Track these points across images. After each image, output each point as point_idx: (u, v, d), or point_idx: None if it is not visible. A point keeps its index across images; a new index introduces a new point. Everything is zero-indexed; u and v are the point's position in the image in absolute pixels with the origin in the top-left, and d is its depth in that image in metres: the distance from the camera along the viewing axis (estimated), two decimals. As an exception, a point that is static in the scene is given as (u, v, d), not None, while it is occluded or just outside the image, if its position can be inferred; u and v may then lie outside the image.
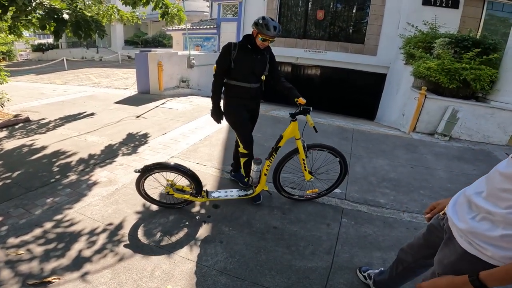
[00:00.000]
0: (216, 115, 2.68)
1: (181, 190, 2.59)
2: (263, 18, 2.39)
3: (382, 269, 1.85)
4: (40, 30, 4.57)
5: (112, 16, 6.29)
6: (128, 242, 2.21)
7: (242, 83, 2.59)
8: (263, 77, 2.69)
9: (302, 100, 2.49)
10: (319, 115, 6.85)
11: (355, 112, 9.55)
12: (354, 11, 9.53)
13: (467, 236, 1.01)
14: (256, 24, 2.40)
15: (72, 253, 2.09)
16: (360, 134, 5.17)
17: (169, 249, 2.16)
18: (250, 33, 2.54)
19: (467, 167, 4.00)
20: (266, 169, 2.61)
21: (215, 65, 2.58)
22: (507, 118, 5.00)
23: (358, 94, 10.30)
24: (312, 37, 10.08)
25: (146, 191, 2.57)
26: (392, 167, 3.80)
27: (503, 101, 5.04)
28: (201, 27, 12.47)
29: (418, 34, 6.47)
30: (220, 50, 2.60)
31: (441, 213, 1.26)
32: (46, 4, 3.92)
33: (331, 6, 9.74)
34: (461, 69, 4.94)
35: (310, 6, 9.92)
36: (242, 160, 2.78)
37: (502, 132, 5.06)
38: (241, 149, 2.70)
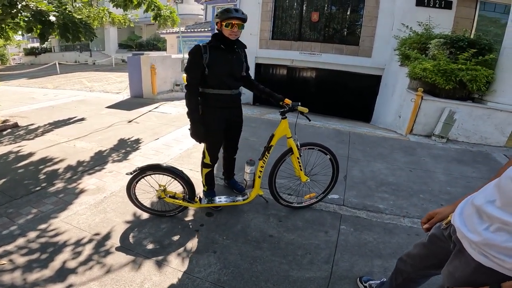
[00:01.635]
0: (198, 135, 2.27)
1: (173, 197, 2.48)
2: (223, 9, 2.17)
3: (384, 279, 1.76)
4: (27, 33, 4.46)
5: (104, 19, 6.19)
6: (116, 253, 2.09)
7: (222, 90, 2.26)
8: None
9: (288, 101, 2.42)
10: (315, 117, 6.78)
11: (350, 115, 9.51)
12: (348, 13, 9.51)
13: (480, 248, 0.93)
14: (217, 15, 2.16)
15: (56, 264, 1.98)
16: (357, 137, 5.10)
17: (160, 260, 2.04)
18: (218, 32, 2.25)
19: (466, 169, 3.94)
20: (260, 171, 2.50)
21: (185, 75, 2.27)
22: (504, 119, 4.96)
23: (353, 96, 10.27)
24: (307, 39, 10.04)
25: (137, 196, 2.46)
26: (391, 171, 3.72)
27: (499, 102, 5.01)
28: (196, 29, 12.40)
29: (413, 35, 6.45)
30: (189, 56, 2.22)
31: (443, 222, 1.18)
32: (32, 7, 3.82)
33: (326, 8, 9.73)
34: (457, 70, 4.91)
35: (304, 8, 9.89)
36: (205, 171, 2.58)
37: (499, 133, 5.03)
38: (207, 160, 2.51)
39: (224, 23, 2.10)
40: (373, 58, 9.23)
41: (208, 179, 2.64)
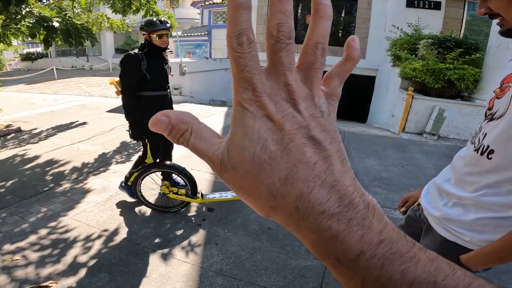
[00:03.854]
0: (139, 133, 2.43)
1: (177, 193, 2.62)
2: (145, 21, 2.40)
3: None
4: (30, 38, 4.59)
5: (102, 24, 6.32)
6: (124, 247, 2.23)
7: (161, 91, 2.51)
8: None
9: None
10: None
11: (347, 115, 9.69)
12: (342, 15, 9.73)
13: (442, 223, 1.03)
14: (142, 28, 2.37)
15: (68, 258, 2.11)
16: (352, 136, 5.27)
17: (166, 253, 2.18)
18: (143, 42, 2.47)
19: (455, 164, 4.10)
20: None
21: (119, 82, 2.41)
22: (492, 116, 5.15)
23: (349, 97, 10.44)
24: (302, 42, 10.22)
25: (142, 193, 2.60)
26: (383, 167, 3.89)
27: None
28: (192, 34, 12.56)
29: (403, 36, 6.64)
30: (124, 64, 2.35)
31: (415, 204, 1.27)
32: (36, 13, 3.95)
33: (320, 11, 9.93)
34: (445, 69, 5.10)
35: (299, 11, 10.09)
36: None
37: (487, 129, 5.21)
38: (149, 160, 2.61)
39: (153, 35, 2.33)
40: (367, 60, 9.42)
41: (137, 178, 2.68)
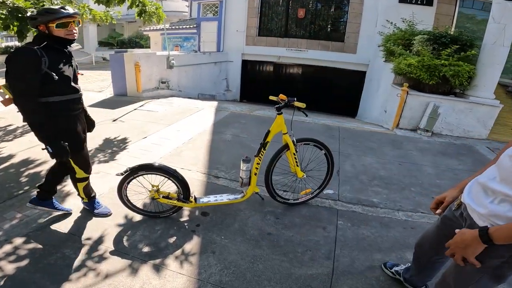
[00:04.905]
0: (64, 152, 1.94)
1: (167, 197, 2.40)
2: (39, 10, 1.88)
3: (409, 264, 1.84)
4: (4, 31, 4.20)
5: (84, 16, 5.92)
6: (111, 257, 2.00)
7: (72, 94, 1.99)
8: None
9: (283, 96, 2.43)
10: (301, 113, 6.80)
11: (337, 110, 9.63)
12: (334, 9, 9.60)
13: (488, 219, 1.05)
14: (34, 19, 1.84)
15: (48, 270, 1.87)
16: (346, 132, 5.15)
17: (158, 263, 1.97)
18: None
19: (452, 162, 4.05)
20: (256, 168, 2.47)
21: (7, 86, 1.88)
22: (485, 113, 5.15)
23: (339, 92, 10.40)
24: (294, 36, 10.07)
25: (129, 198, 2.37)
26: (381, 165, 3.78)
27: (481, 96, 5.19)
28: (181, 27, 12.15)
29: (397, 32, 6.57)
30: (16, 63, 1.81)
31: (455, 203, 1.29)
32: (9, 3, 3.59)
33: (312, 4, 9.77)
34: (441, 65, 5.04)
35: (291, 4, 9.90)
36: (82, 185, 2.35)
37: (481, 126, 5.21)
38: (81, 175, 2.25)
39: (52, 24, 1.81)
40: (358, 54, 9.37)
41: (87, 190, 2.43)
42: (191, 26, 11.66)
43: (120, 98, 7.24)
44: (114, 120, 5.29)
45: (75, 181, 2.34)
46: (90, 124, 2.41)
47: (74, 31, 1.91)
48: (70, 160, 2.13)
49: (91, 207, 2.48)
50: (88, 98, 7.35)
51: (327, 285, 1.86)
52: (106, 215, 2.46)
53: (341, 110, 9.64)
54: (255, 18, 10.18)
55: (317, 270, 1.98)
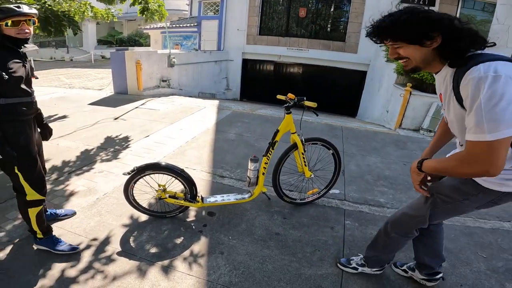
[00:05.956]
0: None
1: (174, 196, 2.37)
2: None
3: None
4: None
5: (85, 13, 5.88)
6: (118, 259, 1.97)
7: (23, 97, 1.80)
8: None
9: (291, 95, 2.41)
10: (305, 113, 6.78)
11: (337, 109, 9.63)
12: (335, 9, 9.58)
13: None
14: None
15: (55, 272, 1.83)
16: (349, 131, 5.14)
17: (166, 265, 1.94)
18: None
19: (456, 162, 4.04)
20: (264, 167, 2.44)
21: None
22: (488, 113, 5.15)
23: (339, 91, 10.39)
24: (294, 35, 10.04)
25: (135, 197, 2.34)
26: (386, 165, 3.77)
27: None
28: (181, 25, 12.10)
29: (400, 32, 6.55)
30: None
31: None
32: (11, 0, 3.55)
33: (313, 4, 9.75)
34: (444, 65, 5.02)
35: (292, 4, 9.86)
36: (35, 211, 1.90)
37: (484, 126, 5.21)
38: (33, 196, 1.86)
39: (3, 23, 1.67)
40: (358, 54, 9.36)
41: (42, 221, 1.96)
42: (192, 25, 11.61)
43: (120, 96, 7.20)
44: (115, 119, 5.25)
45: (25, 206, 1.88)
46: (47, 132, 2.18)
47: (27, 30, 1.77)
48: (18, 175, 1.78)
49: (50, 245, 2.00)
50: (88, 96, 7.31)
51: (337, 285, 1.84)
52: (74, 250, 2.01)
53: (341, 109, 9.63)
54: (256, 17, 10.14)
55: (327, 270, 1.96)
